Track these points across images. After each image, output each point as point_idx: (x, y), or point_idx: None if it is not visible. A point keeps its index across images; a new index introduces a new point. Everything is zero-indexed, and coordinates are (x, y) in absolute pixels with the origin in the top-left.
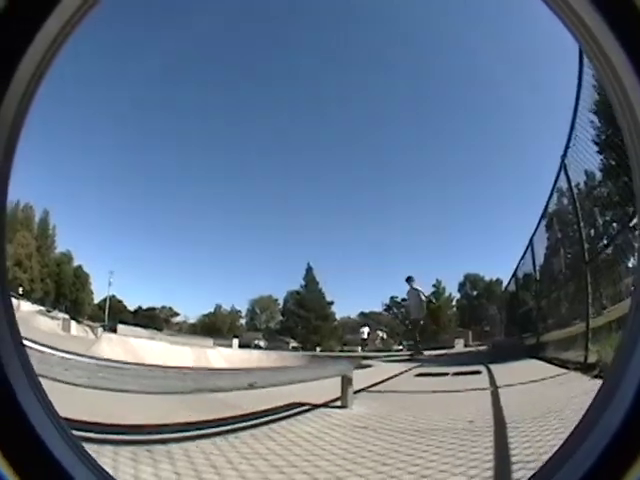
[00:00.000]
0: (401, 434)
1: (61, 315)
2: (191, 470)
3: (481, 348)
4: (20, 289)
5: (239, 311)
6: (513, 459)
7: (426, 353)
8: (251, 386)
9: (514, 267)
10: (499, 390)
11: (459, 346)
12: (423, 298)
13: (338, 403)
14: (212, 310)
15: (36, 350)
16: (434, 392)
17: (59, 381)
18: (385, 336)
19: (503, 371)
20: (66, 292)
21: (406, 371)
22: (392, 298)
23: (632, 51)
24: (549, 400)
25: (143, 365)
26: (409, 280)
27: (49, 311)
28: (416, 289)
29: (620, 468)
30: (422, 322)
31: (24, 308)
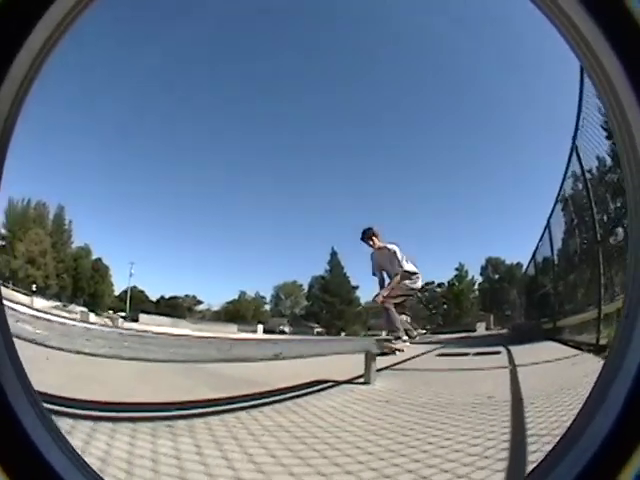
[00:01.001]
0: (422, 408)
1: (79, 309)
2: (212, 442)
3: (502, 331)
4: (34, 286)
5: (263, 297)
6: (528, 432)
7: (443, 337)
8: (276, 357)
9: (533, 250)
10: (517, 369)
11: (481, 329)
12: (402, 259)
13: (361, 380)
14: (236, 297)
15: (57, 322)
16: (455, 370)
17: (80, 353)
18: (409, 320)
19: (522, 352)
20: (84, 286)
21: (428, 352)
22: None
23: (630, 67)
24: (563, 379)
25: (169, 335)
26: (368, 236)
27: (65, 306)
28: (386, 247)
29: (619, 462)
30: (409, 293)
31: (38, 305)
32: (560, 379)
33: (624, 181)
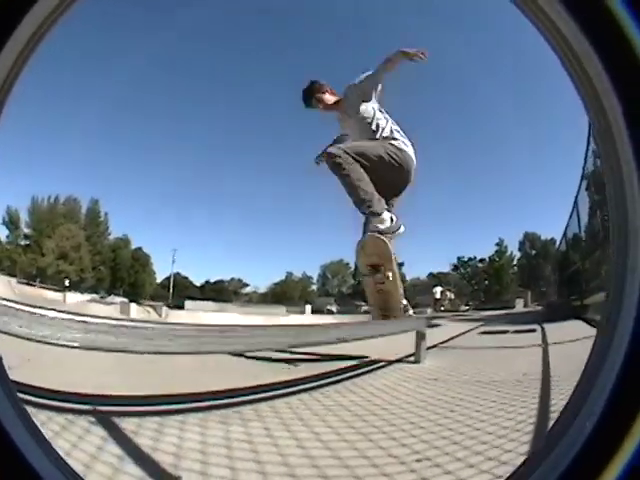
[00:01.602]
0: (465, 385)
1: (119, 299)
2: (280, 425)
3: (538, 308)
4: (67, 281)
5: (310, 277)
6: (552, 408)
7: (485, 314)
8: (340, 340)
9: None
10: (549, 347)
11: (519, 306)
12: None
13: (412, 359)
14: (283, 278)
15: (139, 328)
16: (495, 348)
17: (162, 353)
18: (452, 296)
19: (553, 330)
20: (124, 276)
21: (472, 329)
22: (459, 258)
23: (610, 64)
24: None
25: (245, 326)
26: (311, 94)
27: (103, 297)
28: (349, 89)
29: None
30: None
31: (71, 300)
32: (582, 359)
33: (603, 173)
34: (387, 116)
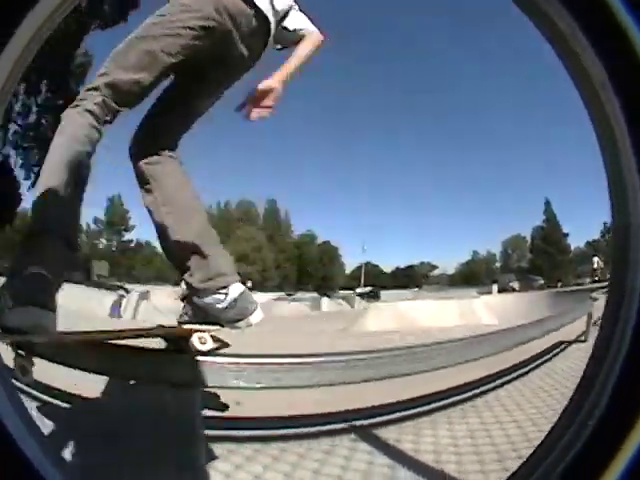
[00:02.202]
0: None
1: (308, 295)
2: (484, 426)
3: None
4: (249, 282)
5: (494, 254)
6: None
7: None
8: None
9: None
10: None
11: None
12: None
13: (582, 337)
14: (469, 257)
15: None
16: None
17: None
18: (603, 265)
19: None
20: (311, 271)
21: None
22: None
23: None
24: None
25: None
26: None
27: (289, 295)
28: None
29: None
30: None
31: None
32: None
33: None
34: None
